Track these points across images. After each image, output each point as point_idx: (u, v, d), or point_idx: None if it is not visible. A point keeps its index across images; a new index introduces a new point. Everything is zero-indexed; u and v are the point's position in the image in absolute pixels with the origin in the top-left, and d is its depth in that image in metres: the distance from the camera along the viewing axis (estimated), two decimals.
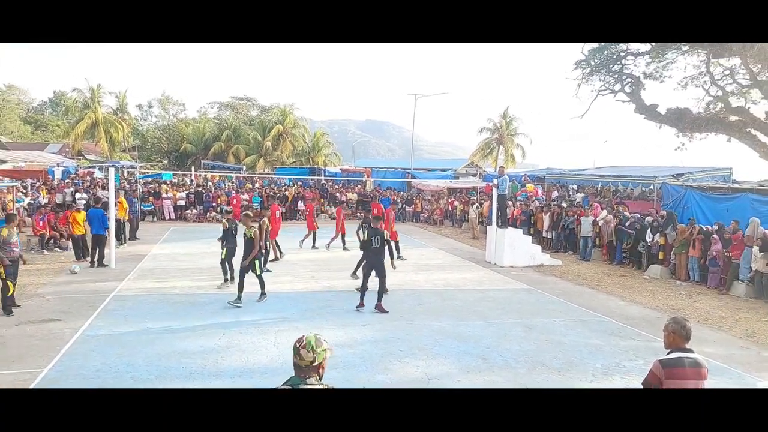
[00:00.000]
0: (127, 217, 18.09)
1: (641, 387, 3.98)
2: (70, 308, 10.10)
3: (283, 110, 55.87)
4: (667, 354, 3.93)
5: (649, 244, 15.74)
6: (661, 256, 15.30)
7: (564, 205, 21.11)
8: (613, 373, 7.67)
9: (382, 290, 10.59)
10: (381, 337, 8.93)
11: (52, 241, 16.72)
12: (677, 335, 3.89)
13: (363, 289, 10.60)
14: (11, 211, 12.35)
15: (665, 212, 16.33)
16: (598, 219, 17.82)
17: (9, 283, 9.63)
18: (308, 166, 48.44)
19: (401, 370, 7.57)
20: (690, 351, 3.87)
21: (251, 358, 7.87)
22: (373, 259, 10.57)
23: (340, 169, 45.42)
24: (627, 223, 16.67)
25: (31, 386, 6.62)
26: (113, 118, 50.37)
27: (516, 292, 12.68)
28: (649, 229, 15.79)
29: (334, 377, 7.07)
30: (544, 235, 20.08)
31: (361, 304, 10.47)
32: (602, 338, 9.27)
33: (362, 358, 7.92)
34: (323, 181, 32.27)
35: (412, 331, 9.31)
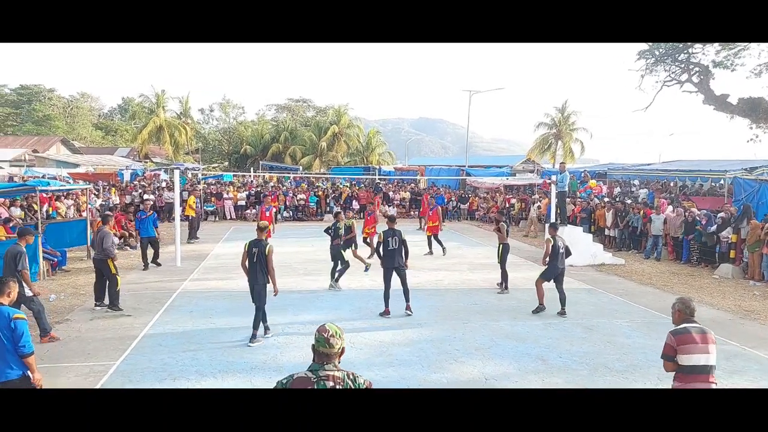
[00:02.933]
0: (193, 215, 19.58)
1: (661, 357, 4.76)
2: (139, 304, 10.61)
3: (337, 111, 56.66)
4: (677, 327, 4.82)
5: (722, 240, 14.94)
6: (731, 254, 14.50)
7: (628, 201, 20.34)
8: None
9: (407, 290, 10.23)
10: (437, 336, 8.90)
11: (122, 240, 17.58)
12: (683, 312, 4.77)
13: (386, 295, 10.07)
14: (108, 213, 13.06)
15: (734, 208, 15.45)
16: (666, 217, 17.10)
17: (118, 277, 10.31)
18: (362, 165, 48.90)
19: (458, 370, 7.53)
20: (695, 322, 4.74)
21: (309, 353, 7.96)
22: (389, 262, 10.05)
23: (394, 168, 45.58)
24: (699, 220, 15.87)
25: (105, 378, 7.00)
26: (177, 122, 52.47)
27: (576, 292, 12.32)
28: (720, 225, 15.00)
29: (391, 375, 7.11)
30: (607, 233, 19.42)
31: (387, 311, 10.02)
32: None
33: (419, 357, 7.92)
34: (377, 180, 32.44)
35: (469, 331, 9.23)
